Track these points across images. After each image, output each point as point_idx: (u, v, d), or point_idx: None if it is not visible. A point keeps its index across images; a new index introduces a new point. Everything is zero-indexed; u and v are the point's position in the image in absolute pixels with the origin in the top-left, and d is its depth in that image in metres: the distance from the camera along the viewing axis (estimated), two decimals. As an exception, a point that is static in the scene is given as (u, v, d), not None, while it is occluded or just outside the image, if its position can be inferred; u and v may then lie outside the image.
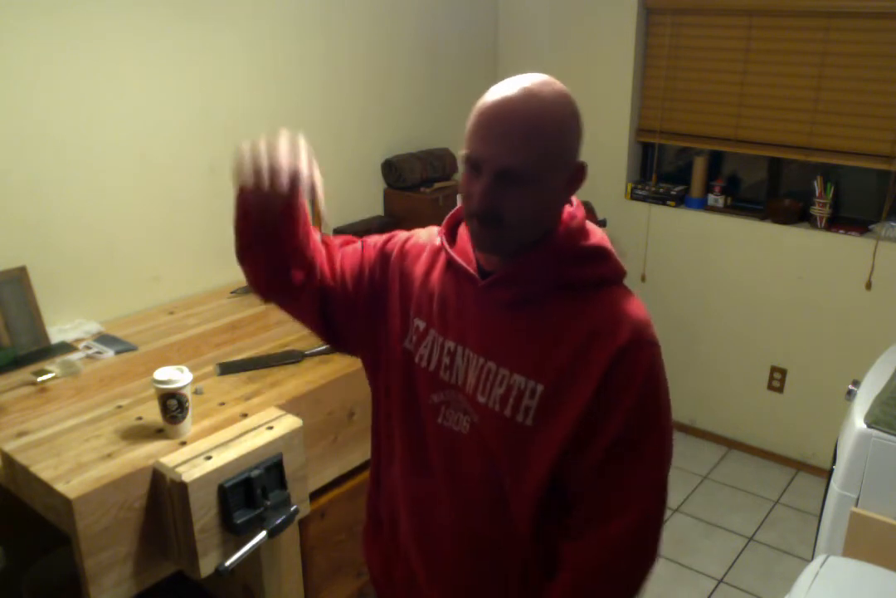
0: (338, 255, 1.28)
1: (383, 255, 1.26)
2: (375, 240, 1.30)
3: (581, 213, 1.12)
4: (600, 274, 1.10)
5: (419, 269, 1.21)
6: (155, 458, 1.58)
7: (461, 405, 1.13)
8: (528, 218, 1.04)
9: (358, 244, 1.31)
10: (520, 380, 1.07)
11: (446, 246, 1.17)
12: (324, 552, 1.99)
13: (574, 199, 1.13)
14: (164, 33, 2.19)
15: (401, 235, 1.28)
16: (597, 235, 1.12)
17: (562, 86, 1.04)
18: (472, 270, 1.12)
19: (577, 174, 1.06)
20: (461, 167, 1.07)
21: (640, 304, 1.10)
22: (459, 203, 1.13)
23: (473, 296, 1.12)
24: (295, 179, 1.09)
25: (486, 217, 1.02)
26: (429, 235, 1.25)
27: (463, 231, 1.17)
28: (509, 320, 1.10)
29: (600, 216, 3.10)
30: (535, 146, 0.99)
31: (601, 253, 1.10)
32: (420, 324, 1.18)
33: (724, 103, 2.95)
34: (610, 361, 1.03)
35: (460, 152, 1.06)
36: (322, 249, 1.27)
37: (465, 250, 1.15)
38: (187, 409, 1.65)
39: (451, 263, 1.16)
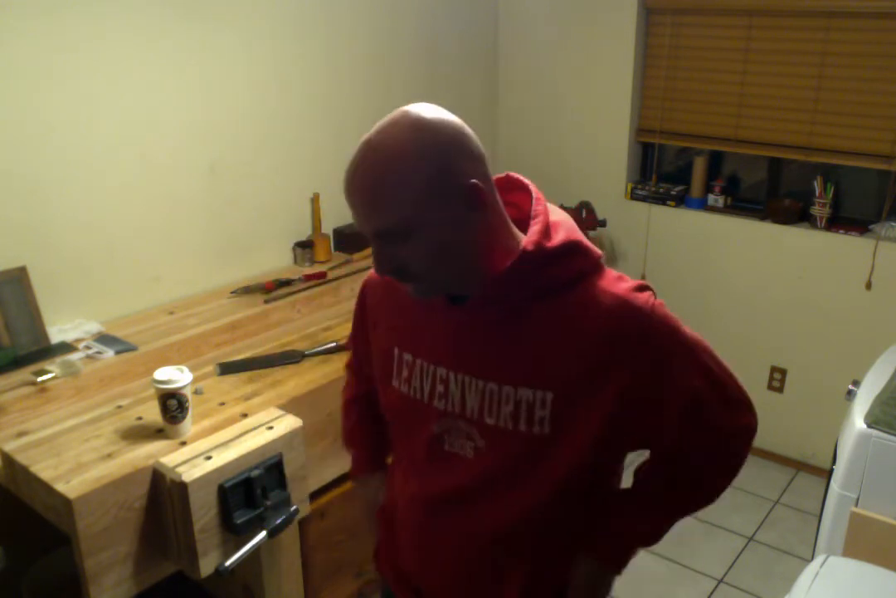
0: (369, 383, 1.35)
1: (364, 318, 1.27)
2: (355, 311, 1.33)
3: (542, 208, 1.06)
4: (578, 269, 1.05)
5: (400, 298, 1.17)
6: (155, 458, 1.58)
7: (462, 432, 1.10)
8: (434, 265, 1.00)
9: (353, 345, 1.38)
10: (527, 393, 1.04)
11: None
12: (324, 552, 1.99)
13: (535, 192, 1.08)
14: (165, 33, 2.19)
15: (364, 285, 1.28)
16: (561, 230, 1.05)
17: (420, 112, 1.00)
18: (441, 298, 1.09)
19: (471, 196, 0.98)
20: None
21: (620, 276, 1.06)
22: None
23: (453, 319, 1.09)
24: None
25: (394, 276, 1.03)
26: None
27: None
28: (497, 336, 1.07)
29: (600, 216, 3.10)
30: (387, 206, 0.97)
31: (572, 248, 1.04)
32: (407, 357, 1.15)
33: (724, 103, 2.95)
34: (629, 349, 1.01)
35: None
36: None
37: None
38: (187, 409, 1.65)
39: None
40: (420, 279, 1.02)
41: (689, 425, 1.09)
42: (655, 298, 1.06)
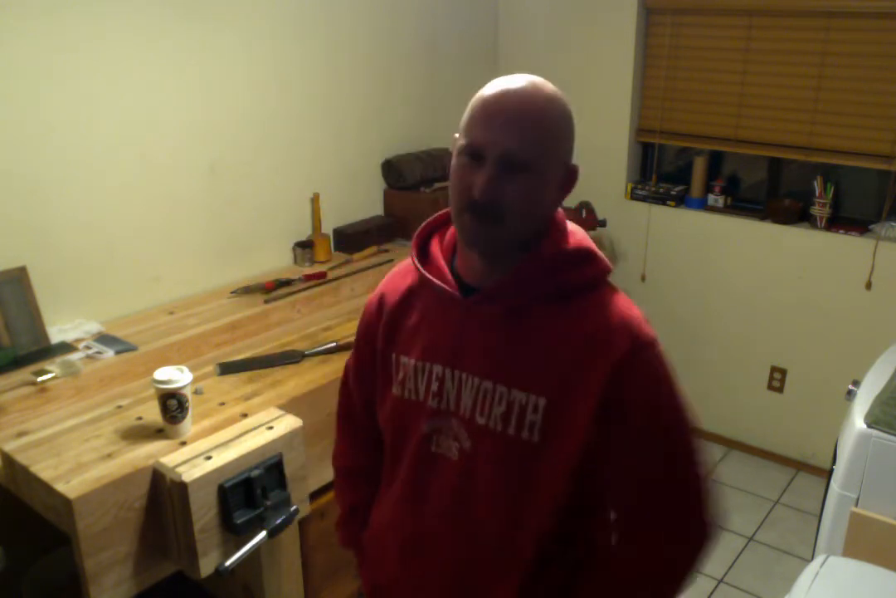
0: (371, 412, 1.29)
1: (370, 339, 1.24)
2: (358, 336, 1.30)
3: (560, 215, 1.10)
4: (589, 277, 1.07)
5: (399, 308, 1.18)
6: (155, 458, 1.58)
7: (451, 432, 1.10)
8: (525, 211, 1.01)
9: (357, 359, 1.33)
10: (520, 396, 1.04)
11: (419, 267, 1.13)
12: (324, 552, 1.99)
13: None
14: (165, 34, 2.19)
15: (366, 306, 1.27)
16: (577, 235, 1.09)
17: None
18: (451, 288, 1.09)
19: (570, 175, 1.06)
20: (455, 161, 1.05)
21: (629, 300, 1.08)
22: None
23: (458, 314, 1.09)
24: None
25: (486, 207, 1.00)
26: (398, 271, 1.24)
27: (436, 248, 1.14)
28: (499, 335, 1.07)
29: (600, 216, 3.10)
30: (539, 133, 1.00)
31: (586, 254, 1.08)
32: (405, 360, 1.15)
33: (724, 103, 2.95)
34: (613, 367, 1.01)
35: (457, 143, 1.04)
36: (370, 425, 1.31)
37: (439, 268, 1.11)
38: (187, 409, 1.65)
39: (427, 282, 1.12)
40: (503, 220, 1.01)
41: (635, 479, 1.06)
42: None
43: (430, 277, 1.11)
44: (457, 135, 1.07)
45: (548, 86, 1.03)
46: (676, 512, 1.08)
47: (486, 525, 1.11)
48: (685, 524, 1.09)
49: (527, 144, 0.99)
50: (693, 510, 1.09)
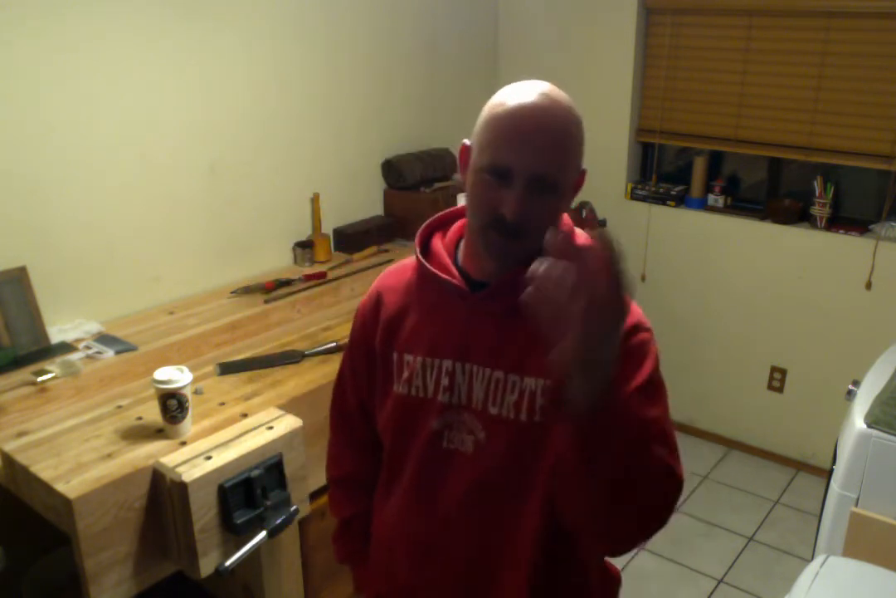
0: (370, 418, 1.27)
1: (366, 339, 1.23)
2: (353, 336, 1.28)
3: (564, 213, 1.13)
4: None
5: (397, 306, 1.18)
6: (155, 458, 1.58)
7: (465, 425, 1.11)
8: (548, 224, 1.03)
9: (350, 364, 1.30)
10: (531, 382, 1.06)
11: (425, 263, 1.14)
12: (324, 552, 1.98)
13: None
14: (165, 34, 2.19)
15: (361, 306, 1.26)
16: (581, 235, 1.11)
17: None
18: (459, 283, 1.10)
19: (580, 179, 1.08)
20: (475, 176, 1.04)
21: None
22: (462, 206, 1.10)
23: (463, 309, 1.11)
24: None
25: (514, 225, 1.01)
26: (393, 270, 1.25)
27: (438, 245, 1.16)
28: (508, 328, 1.08)
29: (600, 216, 3.10)
30: (563, 151, 1.02)
31: None
32: (409, 358, 1.15)
33: (724, 103, 2.95)
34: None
35: (476, 159, 1.04)
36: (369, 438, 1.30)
37: (444, 264, 1.13)
38: (187, 409, 1.65)
39: (431, 278, 1.13)
40: (528, 235, 1.03)
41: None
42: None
43: (438, 272, 1.12)
44: (467, 141, 1.08)
45: (562, 96, 1.04)
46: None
47: (497, 518, 1.12)
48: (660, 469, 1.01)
49: (554, 165, 1.01)
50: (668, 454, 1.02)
